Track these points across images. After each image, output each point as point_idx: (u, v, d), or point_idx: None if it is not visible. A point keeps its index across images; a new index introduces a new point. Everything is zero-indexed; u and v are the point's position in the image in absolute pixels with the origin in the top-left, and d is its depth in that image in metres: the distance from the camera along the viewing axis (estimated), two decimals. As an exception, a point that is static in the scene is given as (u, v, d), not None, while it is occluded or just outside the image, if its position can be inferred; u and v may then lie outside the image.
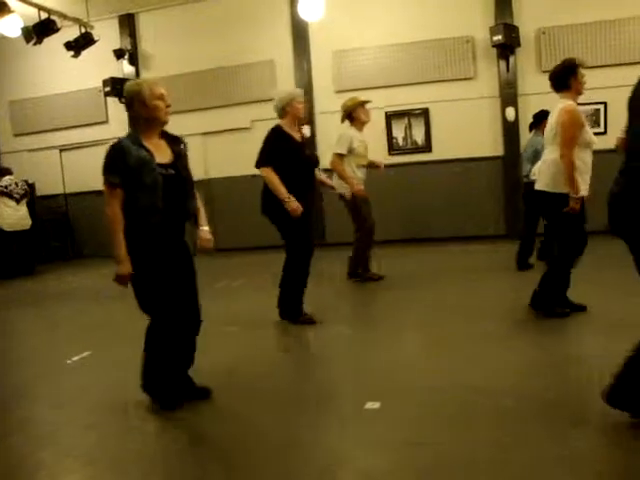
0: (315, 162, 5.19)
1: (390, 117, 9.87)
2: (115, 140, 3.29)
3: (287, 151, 4.85)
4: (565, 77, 4.52)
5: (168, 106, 3.35)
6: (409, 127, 9.85)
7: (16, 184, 9.50)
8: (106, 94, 10.57)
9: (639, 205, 2.67)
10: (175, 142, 3.45)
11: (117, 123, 10.90)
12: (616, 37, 8.64)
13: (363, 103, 6.58)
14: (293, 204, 4.70)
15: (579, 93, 4.55)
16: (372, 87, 9.75)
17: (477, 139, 9.49)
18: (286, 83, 10.07)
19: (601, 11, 8.68)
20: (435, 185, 9.64)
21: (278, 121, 5.00)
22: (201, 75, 10.48)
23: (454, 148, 9.54)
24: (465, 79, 9.53)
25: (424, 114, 9.74)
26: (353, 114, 6.54)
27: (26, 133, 11.54)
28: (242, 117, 9.96)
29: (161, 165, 3.26)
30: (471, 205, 9.52)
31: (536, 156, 6.10)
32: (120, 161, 3.16)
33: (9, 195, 9.33)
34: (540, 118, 6.53)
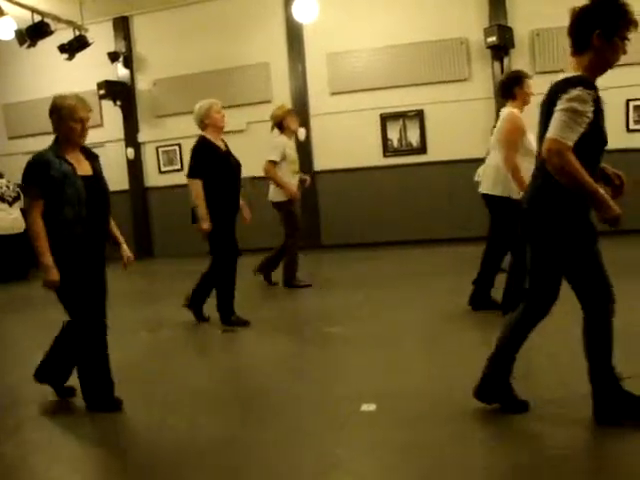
0: (239, 170, 5.24)
1: (385, 119, 9.87)
2: (36, 153, 3.38)
3: (213, 161, 4.99)
4: (511, 86, 4.83)
5: (84, 130, 3.44)
6: (404, 129, 9.86)
7: (7, 187, 9.45)
8: (100, 97, 10.55)
9: (548, 209, 2.73)
10: (92, 157, 3.57)
11: (112, 126, 10.90)
12: (610, 38, 8.64)
13: (291, 111, 6.78)
14: (205, 225, 4.92)
15: (525, 103, 4.81)
16: (367, 89, 9.78)
17: (472, 140, 9.47)
18: (281, 85, 10.08)
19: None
20: (430, 187, 9.64)
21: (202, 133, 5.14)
22: (196, 78, 10.46)
23: (449, 149, 9.54)
24: (460, 80, 9.54)
25: (419, 116, 9.74)
26: (283, 123, 6.60)
27: (21, 136, 11.48)
28: (237, 119, 9.93)
29: (83, 177, 3.37)
30: (466, 206, 9.50)
31: None
32: (42, 173, 3.25)
33: (1, 198, 9.28)
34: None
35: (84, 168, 3.43)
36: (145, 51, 10.96)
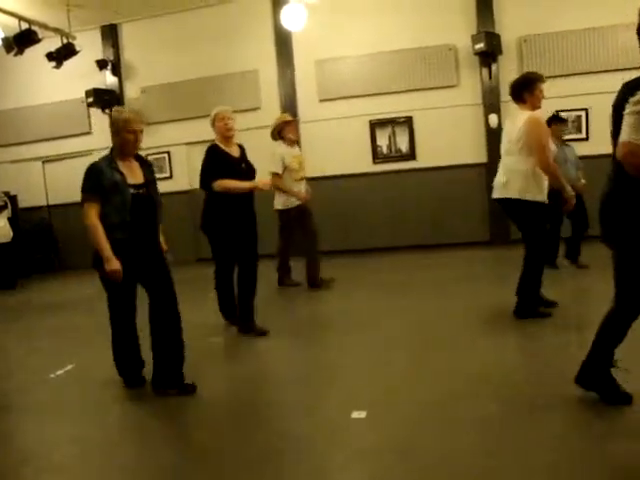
0: (252, 176, 5.15)
1: (374, 125, 9.89)
2: (94, 161, 3.71)
3: (223, 167, 4.96)
4: (519, 91, 4.72)
5: (137, 141, 3.74)
6: (393, 135, 9.88)
7: (-6, 196, 9.41)
8: (89, 105, 10.53)
9: (624, 210, 2.75)
10: (146, 166, 3.90)
11: (100, 134, 10.83)
12: (597, 45, 8.73)
13: (288, 122, 6.82)
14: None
15: (535, 107, 4.70)
16: (356, 96, 9.81)
17: (461, 146, 9.54)
18: (270, 93, 10.09)
19: (582, 19, 8.78)
20: (419, 192, 9.67)
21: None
22: (185, 85, 10.45)
23: (438, 155, 9.58)
24: (448, 87, 9.58)
25: (408, 122, 9.77)
26: (281, 132, 6.74)
27: (8, 144, 11.42)
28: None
29: (133, 185, 3.68)
30: (455, 212, 9.55)
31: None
32: (96, 180, 3.60)
33: (-13, 207, 9.23)
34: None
35: (136, 176, 3.75)
36: (133, 59, 10.94)
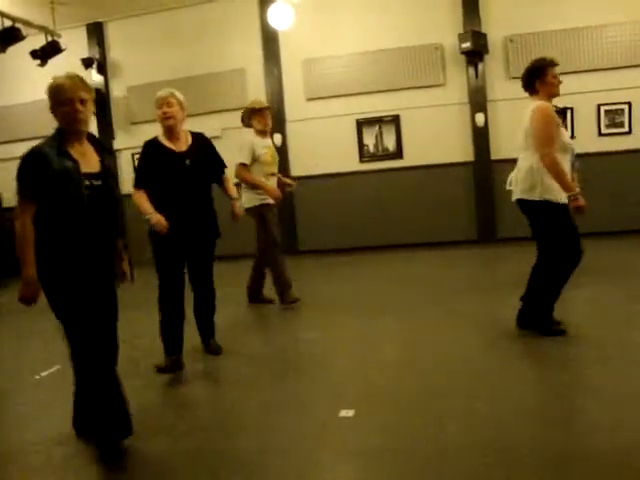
0: (204, 173, 4.41)
1: (361, 124, 9.89)
2: (36, 145, 2.88)
3: (157, 166, 4.24)
4: (530, 80, 4.33)
5: (77, 112, 2.89)
6: (380, 134, 9.89)
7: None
8: (74, 103, 10.45)
9: None
10: (103, 150, 3.13)
11: (86, 133, 10.77)
12: (583, 44, 8.77)
13: (255, 110, 5.91)
14: (154, 217, 4.10)
15: (550, 95, 4.27)
16: (342, 94, 9.80)
17: (448, 145, 9.57)
18: (257, 91, 10.04)
19: (568, 19, 8.83)
20: (407, 191, 9.68)
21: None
22: (171, 84, 10.22)
23: (425, 154, 9.60)
24: (435, 86, 9.60)
25: (395, 121, 9.78)
26: (250, 119, 5.93)
27: (-10, 144, 11.32)
28: (213, 125, 9.87)
29: (87, 175, 2.89)
30: (443, 211, 9.58)
31: None
32: (38, 171, 2.77)
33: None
34: None
35: (90, 163, 2.94)
36: (120, 57, 10.86)
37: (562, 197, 4.12)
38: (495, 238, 9.29)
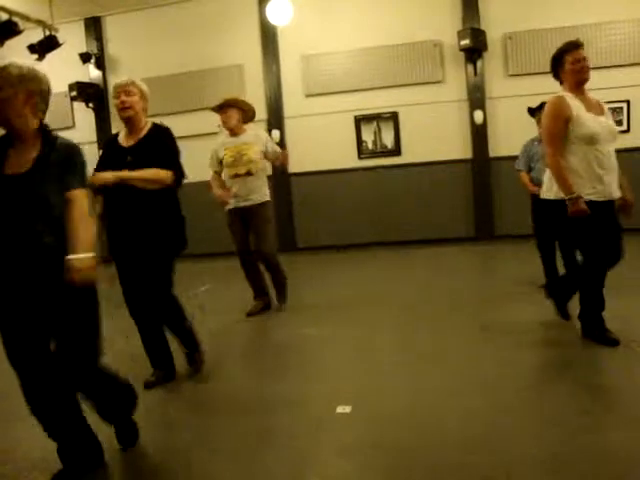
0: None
1: (359, 121, 9.89)
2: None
3: (106, 159, 3.90)
4: (554, 71, 4.02)
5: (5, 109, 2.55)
6: (378, 131, 9.89)
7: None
8: (72, 99, 10.42)
9: None
10: (48, 148, 2.69)
11: (84, 128, 10.75)
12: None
13: (217, 108, 5.54)
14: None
15: (577, 83, 3.87)
16: (341, 91, 9.80)
17: (446, 142, 9.57)
18: (255, 87, 10.04)
19: (566, 17, 8.83)
20: (405, 188, 9.69)
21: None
22: (169, 79, 10.37)
23: (423, 151, 9.60)
24: (434, 83, 9.60)
25: (393, 118, 9.78)
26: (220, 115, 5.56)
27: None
28: (210, 122, 9.86)
29: (9, 177, 2.51)
30: (441, 208, 9.59)
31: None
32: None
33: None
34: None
35: (19, 163, 2.55)
36: (118, 52, 10.84)
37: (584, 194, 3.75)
38: (493, 235, 9.31)
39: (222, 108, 5.47)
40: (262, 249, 5.45)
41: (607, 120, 3.90)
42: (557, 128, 3.79)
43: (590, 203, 3.72)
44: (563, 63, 3.89)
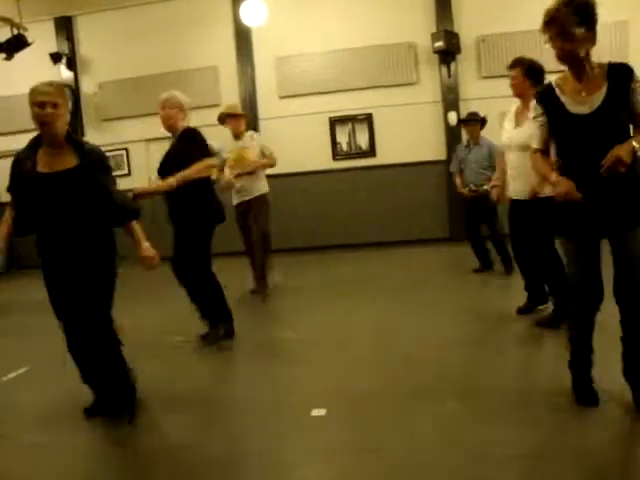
0: None
1: (334, 122, 9.90)
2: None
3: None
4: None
5: (45, 116, 3.07)
6: (353, 132, 9.91)
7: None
8: (43, 99, 10.25)
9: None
10: (81, 151, 3.17)
11: (55, 129, 10.58)
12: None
13: (231, 116, 6.35)
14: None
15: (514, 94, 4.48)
16: (316, 92, 9.80)
17: (420, 143, 9.63)
18: (230, 89, 10.00)
19: (538, 20, 8.84)
20: (379, 189, 9.72)
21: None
22: (143, 80, 10.27)
23: (398, 153, 9.65)
24: (408, 84, 9.66)
25: (368, 119, 9.81)
26: (224, 122, 6.40)
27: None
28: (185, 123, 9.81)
29: (42, 176, 3.08)
30: (415, 209, 9.64)
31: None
32: (14, 172, 3.19)
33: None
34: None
35: (55, 164, 3.10)
36: (90, 53, 10.69)
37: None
38: (467, 236, 9.36)
39: (235, 117, 6.36)
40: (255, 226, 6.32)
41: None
42: None
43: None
44: None
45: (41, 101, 3.08)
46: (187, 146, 4.58)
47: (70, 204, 3.11)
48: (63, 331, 3.36)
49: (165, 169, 4.51)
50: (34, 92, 3.16)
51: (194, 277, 4.55)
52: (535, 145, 2.89)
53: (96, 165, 3.18)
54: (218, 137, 6.79)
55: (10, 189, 3.32)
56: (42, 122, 3.08)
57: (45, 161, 3.15)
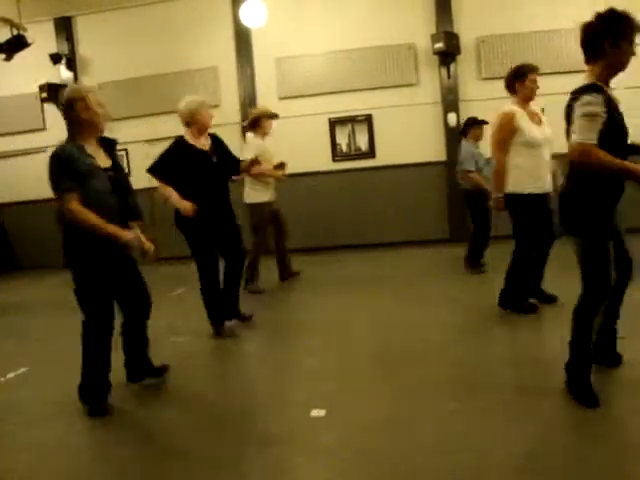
0: (231, 170, 5.07)
1: (334, 123, 9.90)
2: (57, 147, 3.38)
3: (188, 161, 4.74)
4: (511, 82, 4.69)
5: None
6: (353, 133, 9.91)
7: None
8: (43, 100, 10.24)
9: (584, 205, 2.97)
10: (110, 146, 3.65)
11: (56, 130, 10.52)
12: (553, 47, 8.89)
13: (272, 116, 6.75)
14: (185, 204, 4.66)
15: (527, 98, 4.68)
16: (315, 94, 9.80)
17: (420, 145, 9.62)
18: (229, 90, 10.00)
19: (539, 21, 8.94)
20: (379, 191, 9.71)
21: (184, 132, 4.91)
22: (143, 81, 10.27)
23: (398, 154, 9.64)
24: (408, 85, 9.65)
25: (367, 120, 9.81)
26: (259, 122, 6.66)
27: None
28: (185, 123, 9.80)
29: (105, 170, 3.43)
30: (415, 210, 9.64)
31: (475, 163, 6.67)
32: (71, 167, 3.28)
33: None
34: (465, 126, 6.98)
35: (103, 160, 3.49)
36: (89, 53, 10.69)
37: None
38: (467, 237, 9.36)
39: (273, 118, 6.78)
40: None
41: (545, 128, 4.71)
42: (505, 137, 4.60)
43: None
44: (523, 80, 4.64)
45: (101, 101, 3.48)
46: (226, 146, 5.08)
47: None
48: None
49: (217, 168, 4.87)
50: (94, 93, 3.49)
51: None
52: (594, 141, 2.85)
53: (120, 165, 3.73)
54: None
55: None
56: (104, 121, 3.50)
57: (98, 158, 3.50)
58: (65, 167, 3.29)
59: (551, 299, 4.97)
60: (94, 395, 3.47)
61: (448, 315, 5.14)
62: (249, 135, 6.77)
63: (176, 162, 4.75)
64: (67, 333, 3.91)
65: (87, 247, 3.36)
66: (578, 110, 2.89)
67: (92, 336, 3.43)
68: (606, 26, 2.92)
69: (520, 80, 4.64)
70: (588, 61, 3.05)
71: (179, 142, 4.84)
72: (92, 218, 3.28)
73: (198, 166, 4.75)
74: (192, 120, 4.81)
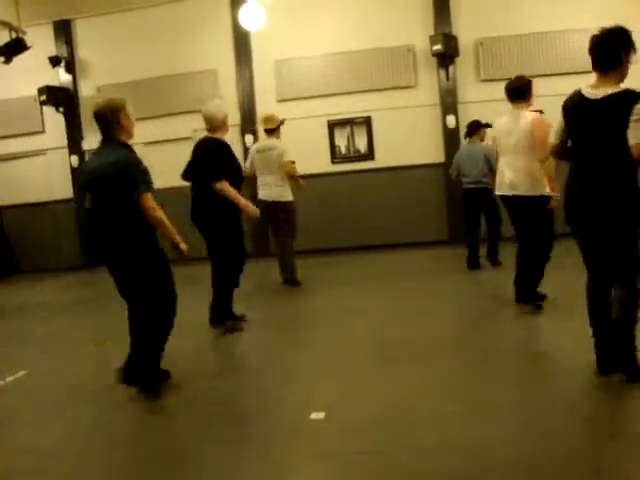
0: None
1: (333, 126, 9.91)
2: (132, 153, 3.73)
3: (235, 161, 5.14)
4: (528, 90, 4.96)
5: None
6: (352, 135, 9.92)
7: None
8: (42, 103, 10.24)
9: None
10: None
11: (54, 133, 10.60)
12: (551, 48, 8.91)
13: (283, 122, 7.23)
14: (252, 208, 5.13)
15: (531, 105, 5.02)
16: (314, 96, 9.81)
17: (419, 146, 9.63)
18: (228, 92, 10.00)
19: (536, 23, 8.95)
20: (378, 192, 9.71)
21: (211, 134, 5.12)
22: (142, 84, 10.27)
23: (396, 156, 9.65)
24: (406, 87, 9.66)
25: (366, 122, 9.81)
26: (280, 128, 7.14)
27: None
28: (184, 127, 9.80)
29: None
30: (414, 212, 9.63)
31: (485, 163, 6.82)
32: (147, 171, 3.68)
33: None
34: (475, 128, 7.14)
35: None
36: (88, 56, 10.70)
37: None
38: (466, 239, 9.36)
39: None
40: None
41: None
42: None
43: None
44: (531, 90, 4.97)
45: None
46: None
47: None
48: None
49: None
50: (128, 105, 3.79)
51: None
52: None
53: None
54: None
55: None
56: None
57: None
58: (143, 171, 3.70)
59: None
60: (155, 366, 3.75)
61: (448, 313, 5.15)
62: (275, 140, 7.10)
63: (229, 163, 5.05)
64: (66, 336, 3.91)
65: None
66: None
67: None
68: (622, 38, 3.17)
69: (530, 91, 4.96)
70: (600, 68, 3.22)
71: (223, 144, 5.08)
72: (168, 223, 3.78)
73: (236, 167, 5.13)
74: (222, 124, 5.13)
